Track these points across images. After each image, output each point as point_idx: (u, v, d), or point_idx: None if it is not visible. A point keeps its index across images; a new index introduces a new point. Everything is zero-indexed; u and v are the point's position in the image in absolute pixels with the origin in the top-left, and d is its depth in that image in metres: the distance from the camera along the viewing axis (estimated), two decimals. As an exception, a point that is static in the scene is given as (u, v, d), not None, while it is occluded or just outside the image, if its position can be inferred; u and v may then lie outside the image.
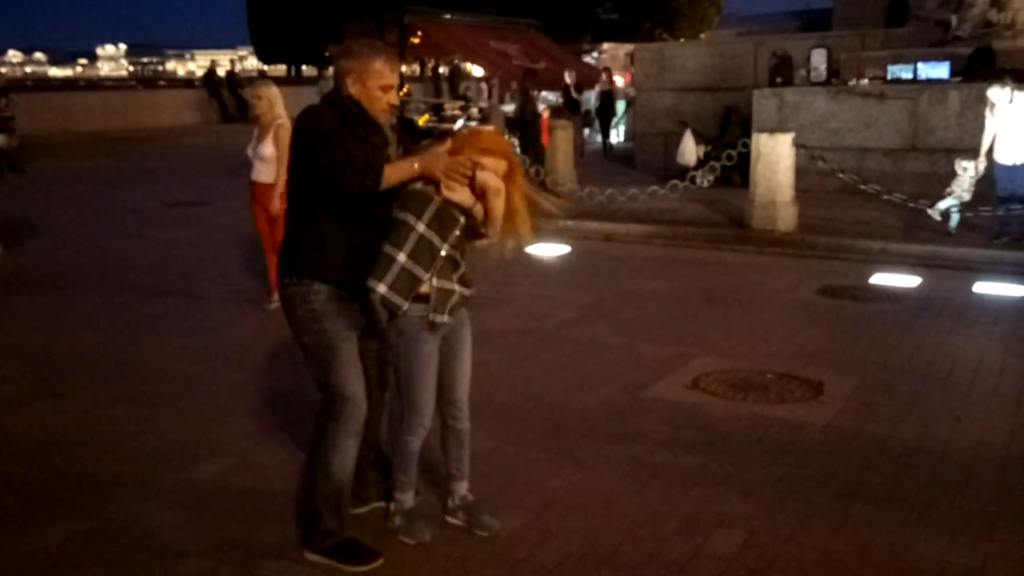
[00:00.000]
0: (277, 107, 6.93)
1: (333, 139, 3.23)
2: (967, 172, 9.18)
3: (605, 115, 18.71)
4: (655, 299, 7.65)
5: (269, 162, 6.88)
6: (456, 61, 24.85)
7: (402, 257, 3.30)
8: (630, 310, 7.28)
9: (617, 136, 21.64)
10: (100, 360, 6.03)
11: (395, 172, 3.26)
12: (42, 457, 4.46)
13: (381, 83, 3.34)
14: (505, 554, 3.51)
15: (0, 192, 13.83)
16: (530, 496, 4.00)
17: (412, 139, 17.56)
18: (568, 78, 15.76)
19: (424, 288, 3.34)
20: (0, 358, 6.09)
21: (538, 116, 12.72)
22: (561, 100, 16.40)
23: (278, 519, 3.78)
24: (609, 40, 31.00)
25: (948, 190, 9.35)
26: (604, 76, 17.94)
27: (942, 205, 9.36)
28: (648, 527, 3.70)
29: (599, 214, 11.08)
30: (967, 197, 9.24)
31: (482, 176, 3.29)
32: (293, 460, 4.36)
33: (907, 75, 12.04)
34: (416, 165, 3.28)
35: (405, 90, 20.67)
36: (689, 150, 13.37)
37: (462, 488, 3.73)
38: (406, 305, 3.33)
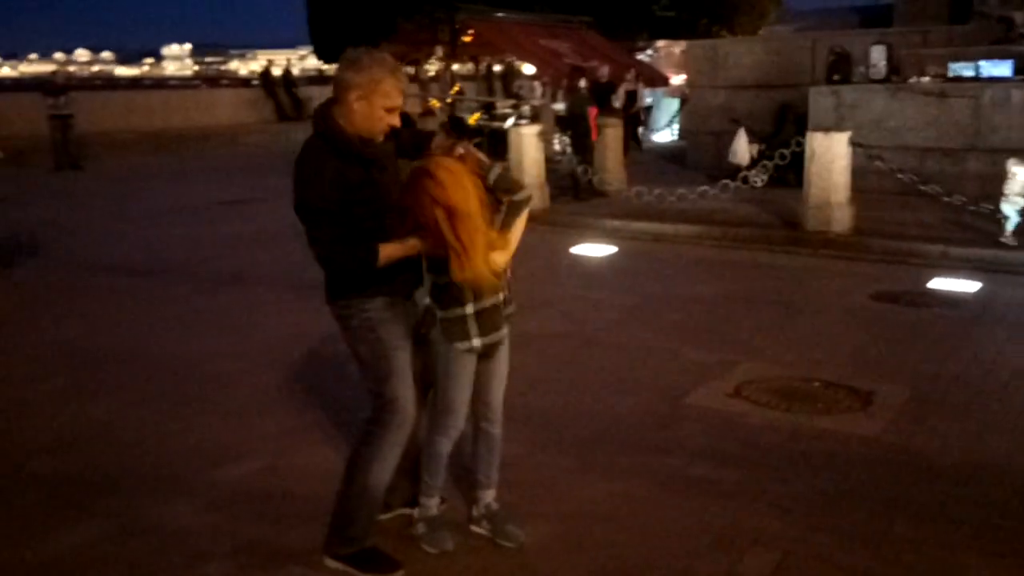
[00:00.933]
0: None
1: (325, 217, 3.13)
2: (1017, 176, 8.79)
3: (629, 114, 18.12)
4: (701, 302, 7.47)
5: None
6: (509, 59, 24.78)
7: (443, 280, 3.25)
8: (674, 313, 7.12)
9: (671, 134, 21.38)
10: (144, 357, 6.08)
11: (395, 251, 3.18)
12: (76, 454, 4.50)
13: (387, 104, 3.18)
14: (528, 566, 3.42)
15: (58, 188, 14.13)
16: (559, 505, 3.90)
17: (460, 137, 17.57)
18: (598, 75, 15.56)
19: (468, 310, 3.28)
20: (47, 353, 6.19)
21: (585, 116, 12.57)
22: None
23: (304, 523, 3.73)
24: (665, 37, 30.60)
25: (1004, 193, 8.96)
26: (631, 74, 17.31)
27: (1009, 210, 8.92)
28: (679, 542, 3.58)
29: (647, 214, 10.91)
30: (1022, 202, 8.83)
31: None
32: (325, 463, 4.32)
33: (969, 73, 11.63)
34: (412, 243, 3.18)
35: (456, 88, 20.70)
36: (742, 149, 13.09)
37: (488, 496, 3.65)
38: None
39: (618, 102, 15.54)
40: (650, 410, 5.05)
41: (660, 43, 26.32)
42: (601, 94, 14.92)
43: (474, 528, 3.64)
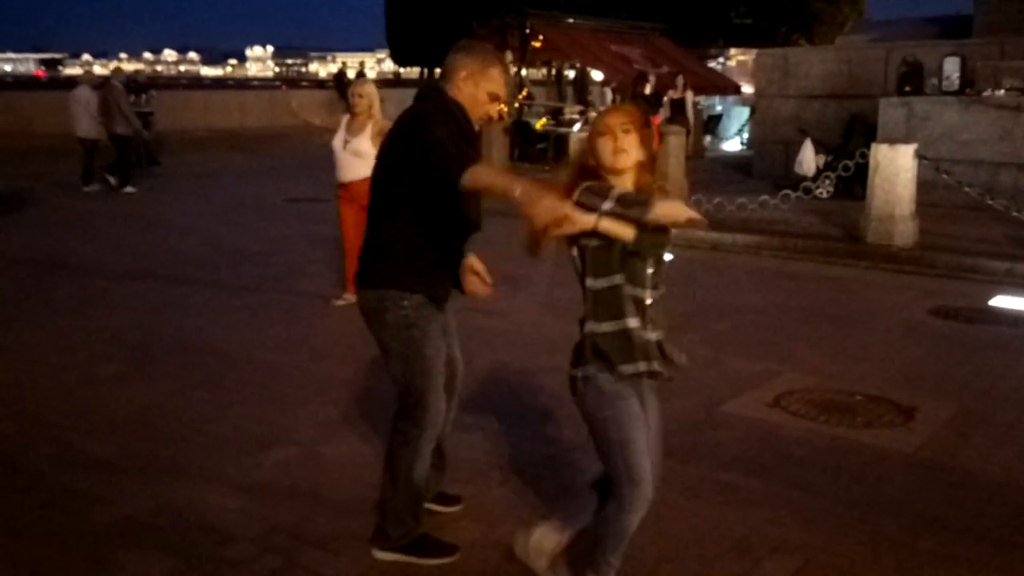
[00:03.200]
0: (375, 107, 7.07)
1: (454, 146, 3.07)
2: None
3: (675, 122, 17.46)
4: (752, 312, 7.39)
5: (367, 158, 7.00)
6: (580, 65, 24.79)
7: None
8: (723, 322, 7.07)
9: (741, 143, 21.13)
10: (196, 345, 6.29)
11: (489, 177, 3.02)
12: (122, 436, 4.68)
13: (491, 89, 3.28)
14: (544, 563, 3.44)
15: (135, 184, 14.64)
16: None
17: (526, 142, 17.65)
18: (648, 83, 15.43)
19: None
20: (104, 338, 6.44)
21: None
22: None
23: (329, 510, 3.83)
24: (743, 45, 30.27)
25: None
26: (679, 82, 16.69)
27: None
28: (696, 547, 3.57)
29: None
30: None
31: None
32: (356, 453, 4.43)
33: (1048, 86, 11.26)
34: (519, 191, 2.76)
35: (524, 93, 20.78)
36: (808, 159, 12.88)
37: None
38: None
39: (664, 112, 15.38)
40: (687, 416, 5.02)
41: (733, 51, 26.02)
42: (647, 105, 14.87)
43: None
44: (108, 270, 8.78)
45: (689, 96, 16.48)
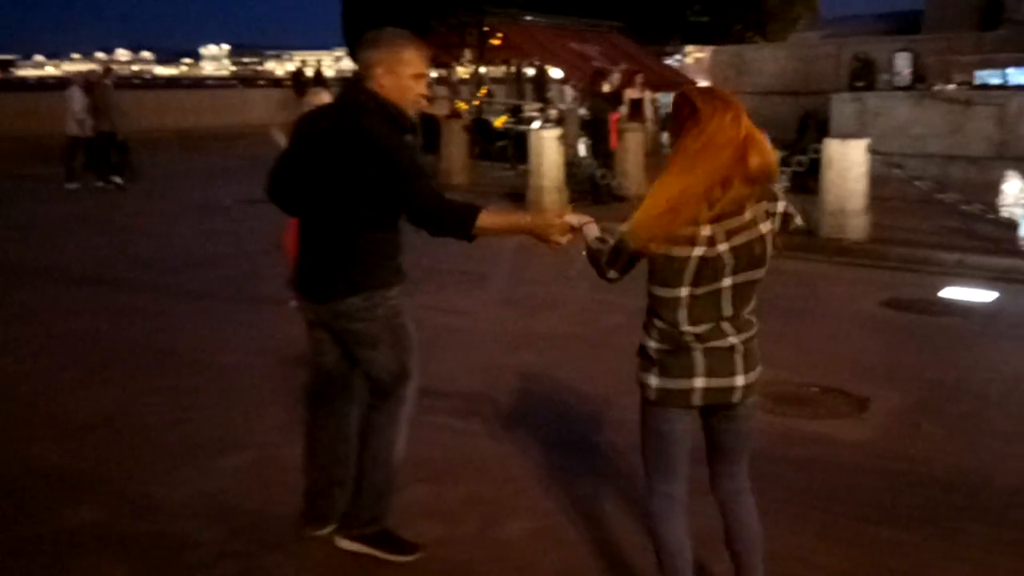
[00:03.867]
0: None
1: (418, 169, 3.16)
2: (1011, 189, 8.75)
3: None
4: (710, 306, 7.46)
5: None
6: (539, 63, 24.85)
7: None
8: (682, 317, 7.13)
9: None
10: (151, 349, 6.22)
11: (497, 221, 3.18)
12: (78, 442, 4.62)
13: (413, 71, 3.23)
14: (506, 558, 3.48)
15: (88, 187, 14.40)
16: (542, 502, 3.95)
17: (486, 140, 17.65)
18: (608, 81, 15.50)
19: None
20: (58, 344, 6.35)
21: (606, 119, 12.60)
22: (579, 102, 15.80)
23: (289, 513, 3.80)
24: (699, 43, 30.52)
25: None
26: (638, 81, 16.30)
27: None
28: (656, 540, 3.61)
29: (665, 219, 10.90)
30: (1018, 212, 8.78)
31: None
32: (316, 455, 4.41)
33: (996, 81, 11.55)
34: (527, 224, 3.18)
35: (483, 91, 20.79)
36: (763, 155, 13.04)
37: None
38: None
39: (624, 110, 15.35)
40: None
41: (689, 48, 26.24)
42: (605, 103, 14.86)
43: None
44: (64, 275, 8.65)
45: (647, 95, 16.48)
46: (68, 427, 4.82)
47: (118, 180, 14.82)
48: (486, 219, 3.10)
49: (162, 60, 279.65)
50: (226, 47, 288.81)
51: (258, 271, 8.76)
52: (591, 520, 3.78)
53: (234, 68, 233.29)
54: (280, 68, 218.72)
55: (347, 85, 3.38)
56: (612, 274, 2.91)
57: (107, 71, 16.56)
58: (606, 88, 13.12)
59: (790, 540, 3.60)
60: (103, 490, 4.06)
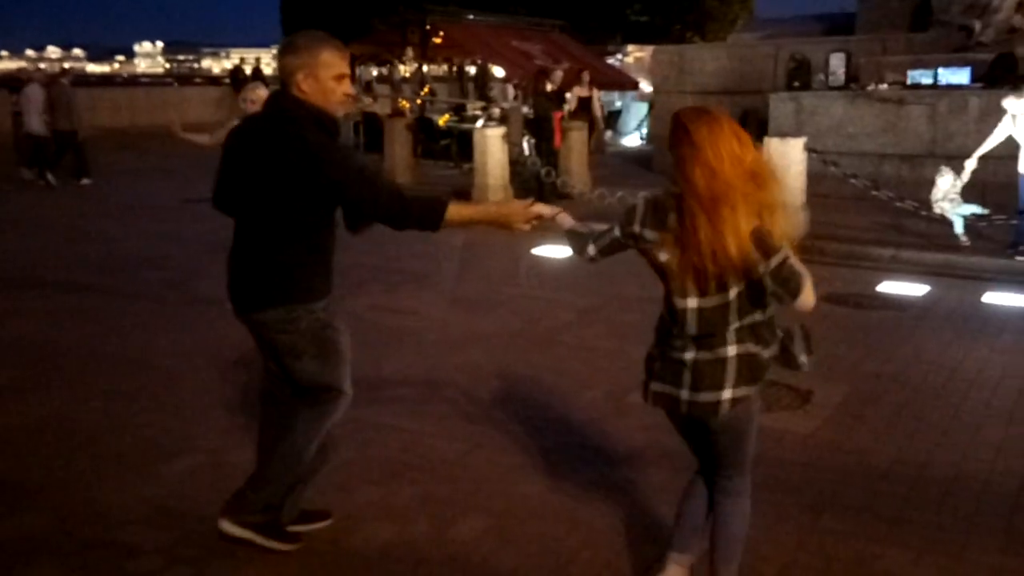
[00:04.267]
0: None
1: (367, 168, 3.19)
2: (944, 184, 9.03)
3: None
4: (655, 303, 7.49)
5: None
6: (480, 61, 24.86)
7: None
8: (628, 314, 7.19)
9: (641, 139, 21.52)
10: (93, 353, 6.06)
11: (465, 212, 3.33)
12: (18, 449, 4.49)
13: (334, 73, 3.19)
14: (459, 558, 3.47)
15: (19, 186, 13.99)
16: (495, 501, 3.95)
17: (429, 139, 17.59)
18: (553, 80, 15.57)
19: None
20: (-5, 349, 6.15)
21: (550, 118, 12.65)
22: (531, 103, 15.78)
23: (239, 517, 3.75)
24: (639, 42, 30.81)
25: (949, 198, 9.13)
26: (585, 78, 16.19)
27: (959, 215, 9.09)
28: (609, 535, 3.65)
29: (609, 216, 10.95)
30: (947, 208, 9.06)
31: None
32: (264, 458, 4.35)
33: (927, 80, 11.83)
34: (493, 213, 3.46)
35: (426, 90, 20.72)
36: (704, 153, 13.21)
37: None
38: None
39: (571, 107, 15.34)
40: (594, 408, 5.11)
41: (630, 47, 26.49)
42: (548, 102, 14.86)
43: None
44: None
45: (596, 93, 16.49)
46: (6, 434, 4.68)
47: (51, 179, 14.80)
48: (454, 210, 3.18)
49: (94, 58, 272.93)
50: (160, 44, 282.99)
51: (199, 272, 8.59)
52: (543, 518, 3.79)
53: (169, 66, 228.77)
54: (217, 66, 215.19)
55: (272, 96, 3.35)
56: (591, 249, 3.19)
57: (64, 71, 17.23)
58: (550, 87, 13.16)
59: (739, 532, 3.65)
60: (45, 498, 3.94)
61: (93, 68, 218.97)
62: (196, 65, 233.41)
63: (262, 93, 6.99)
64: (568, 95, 15.81)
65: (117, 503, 3.90)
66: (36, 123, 14.70)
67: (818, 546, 3.56)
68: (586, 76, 15.87)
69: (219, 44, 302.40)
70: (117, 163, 18.05)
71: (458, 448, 4.52)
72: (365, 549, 3.54)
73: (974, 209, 9.05)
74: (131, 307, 7.33)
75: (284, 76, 3.21)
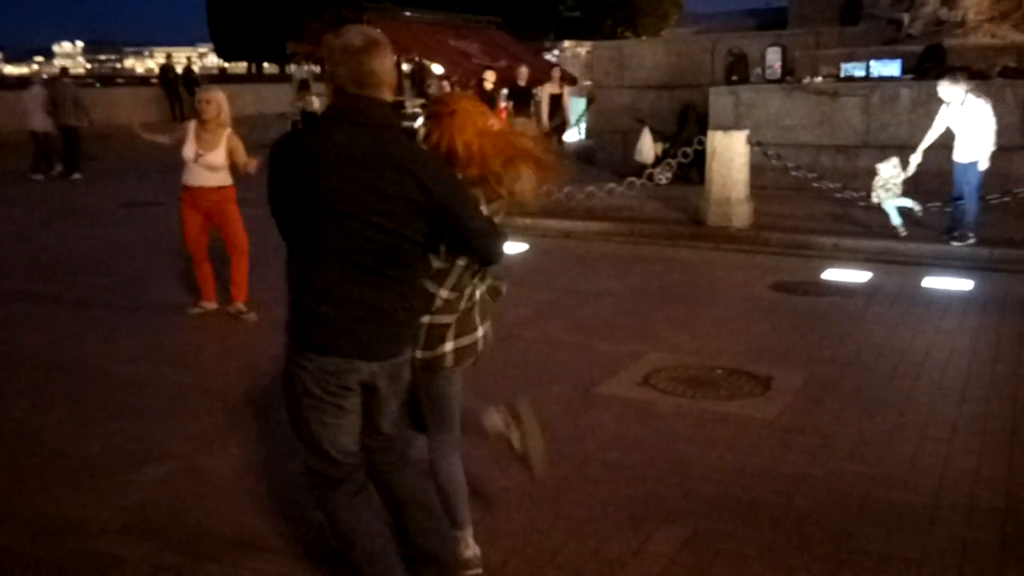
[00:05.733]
0: (224, 113, 6.77)
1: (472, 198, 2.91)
2: (880, 172, 9.34)
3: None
4: (611, 296, 7.66)
5: (220, 171, 6.76)
6: (418, 59, 24.77)
7: None
8: (586, 308, 7.29)
9: (579, 134, 21.68)
10: (43, 363, 5.91)
11: None
12: (-19, 462, 4.37)
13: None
14: (448, 554, 3.49)
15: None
16: (476, 497, 3.96)
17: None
18: (521, 76, 15.60)
19: None
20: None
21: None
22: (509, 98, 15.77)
23: (220, 523, 3.72)
24: (571, 38, 31.03)
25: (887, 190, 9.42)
26: (555, 75, 15.98)
27: (894, 207, 9.37)
28: (593, 525, 3.71)
29: (557, 211, 11.06)
30: (883, 196, 9.38)
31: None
32: (238, 463, 4.31)
33: (860, 73, 12.19)
34: None
35: (366, 88, 20.52)
36: (647, 148, 13.42)
37: None
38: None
39: (544, 108, 15.15)
40: (563, 400, 5.18)
41: (566, 43, 26.65)
42: (518, 99, 14.85)
43: None
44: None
45: (566, 91, 16.23)
46: (-36, 448, 4.55)
47: (77, 175, 15.84)
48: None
49: (11, 59, 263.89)
50: (81, 44, 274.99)
51: (143, 277, 8.43)
52: (526, 511, 3.83)
53: (90, 66, 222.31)
54: (140, 65, 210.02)
55: (386, 107, 2.83)
56: None
57: (64, 71, 19.42)
58: (489, 85, 13.27)
59: (718, 517, 3.76)
60: (12, 513, 3.85)
61: (11, 70, 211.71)
62: (119, 65, 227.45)
63: (219, 95, 6.89)
64: (536, 92, 15.78)
65: (92, 514, 3.83)
66: (39, 121, 15.56)
67: (794, 528, 3.67)
68: (557, 72, 15.66)
69: (142, 42, 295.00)
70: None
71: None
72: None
73: (908, 203, 9.34)
74: (77, 314, 7.16)
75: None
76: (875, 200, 9.51)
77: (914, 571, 3.36)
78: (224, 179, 6.79)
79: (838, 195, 10.34)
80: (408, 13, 20.66)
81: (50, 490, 4.05)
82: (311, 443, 2.86)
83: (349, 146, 2.70)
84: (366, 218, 2.68)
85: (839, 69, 12.42)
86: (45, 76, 18.60)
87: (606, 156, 15.50)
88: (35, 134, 15.82)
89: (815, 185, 10.57)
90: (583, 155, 16.09)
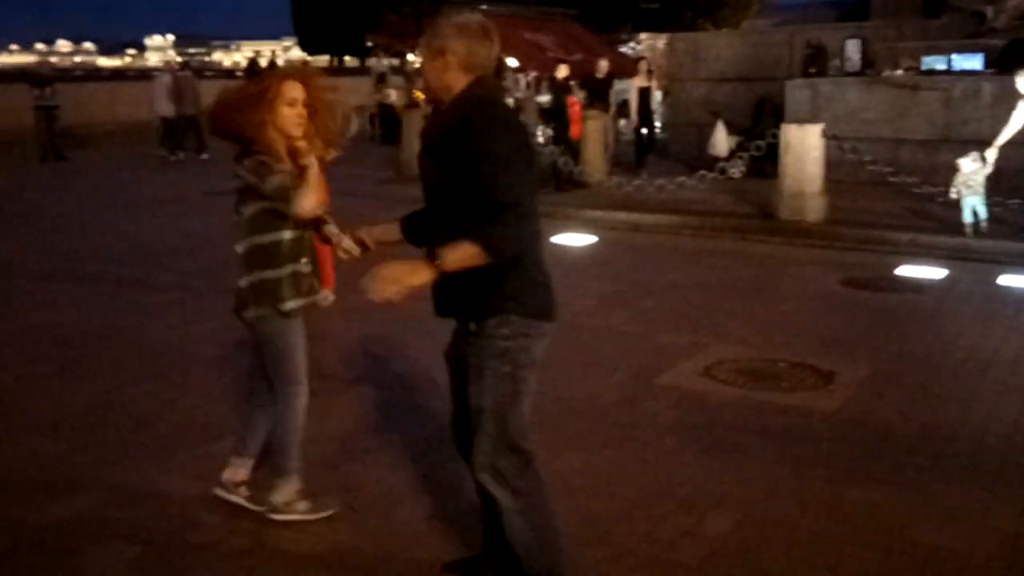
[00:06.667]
0: None
1: None
2: (968, 167, 9.05)
3: (645, 113, 15.31)
4: (676, 288, 7.70)
5: None
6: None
7: None
8: (650, 299, 7.35)
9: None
10: (130, 342, 6.24)
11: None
12: (70, 432, 4.67)
13: None
14: (503, 530, 3.62)
15: (42, 180, 14.23)
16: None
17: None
18: (599, 69, 15.61)
19: None
20: (29, 339, 6.33)
21: (565, 108, 12.79)
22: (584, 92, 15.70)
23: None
24: (649, 30, 30.84)
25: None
26: (642, 67, 15.56)
27: (971, 206, 9.11)
28: (645, 508, 3.80)
29: (627, 204, 11.14)
30: (963, 192, 9.10)
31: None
32: (307, 437, 4.51)
33: (941, 66, 11.91)
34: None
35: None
36: (720, 141, 13.34)
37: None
38: None
39: (633, 101, 14.85)
40: (623, 389, 5.27)
41: (643, 36, 26.51)
42: (595, 91, 14.83)
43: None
44: (27, 269, 8.57)
45: (655, 84, 15.99)
46: (57, 417, 4.86)
47: (181, 155, 17.68)
48: None
49: (105, 51, 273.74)
50: (171, 37, 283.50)
51: (226, 262, 8.72)
52: (581, 492, 3.94)
53: (179, 59, 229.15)
54: (227, 59, 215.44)
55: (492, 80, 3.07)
56: None
57: (184, 64, 23.38)
58: (597, 74, 13.46)
59: (770, 505, 3.81)
60: (98, 479, 4.12)
61: (104, 62, 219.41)
62: (207, 58, 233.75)
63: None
64: (620, 85, 15.69)
65: (169, 482, 4.07)
66: (164, 107, 17.79)
67: (846, 518, 3.70)
68: (644, 65, 15.40)
69: (229, 36, 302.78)
70: (138, 156, 18.25)
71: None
72: (413, 521, 3.71)
73: (981, 208, 9.02)
74: (161, 297, 7.50)
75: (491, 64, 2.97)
76: (954, 196, 9.30)
77: (963, 564, 3.37)
78: None
79: (916, 190, 10.13)
80: (484, 6, 20.82)
81: (134, 459, 4.32)
82: (516, 416, 2.90)
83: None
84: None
85: (920, 62, 12.16)
86: (175, 66, 22.98)
87: (679, 149, 15.44)
88: (163, 119, 18.03)
89: (892, 180, 10.38)
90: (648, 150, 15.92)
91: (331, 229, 3.54)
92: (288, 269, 3.55)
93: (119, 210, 12.04)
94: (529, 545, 2.96)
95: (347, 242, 3.29)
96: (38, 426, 4.76)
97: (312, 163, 3.47)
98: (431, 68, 2.93)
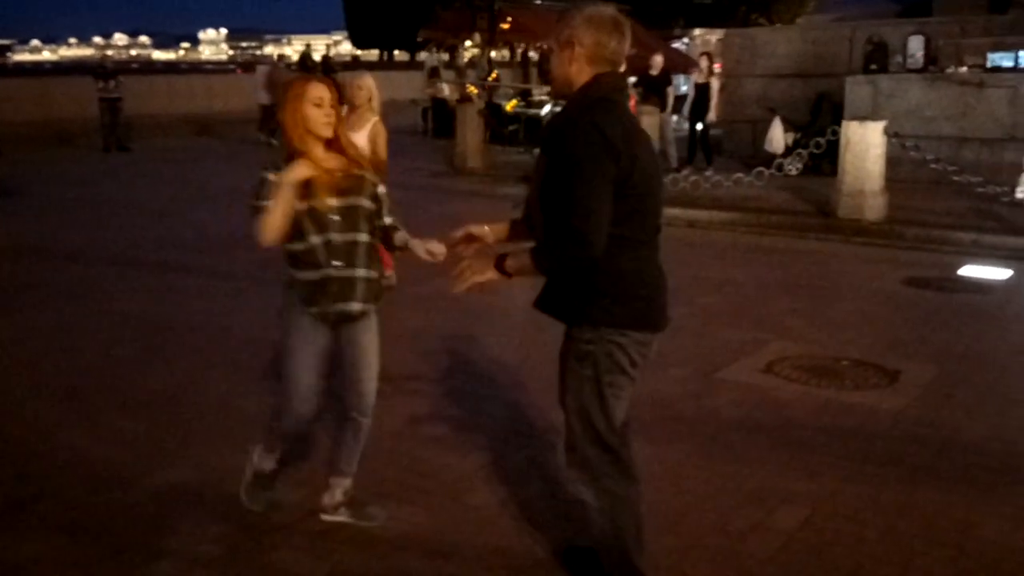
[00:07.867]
0: (375, 100, 6.78)
1: None
2: None
3: (700, 109, 14.80)
4: (734, 285, 7.69)
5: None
6: (547, 47, 24.97)
7: None
8: (708, 296, 7.35)
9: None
10: (204, 328, 6.43)
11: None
12: (153, 412, 4.85)
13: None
14: (572, 516, 3.69)
15: (108, 169, 14.59)
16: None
17: (499, 124, 17.81)
18: (654, 65, 15.53)
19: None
20: (110, 322, 6.55)
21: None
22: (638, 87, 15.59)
23: (364, 477, 4.02)
24: (703, 25, 30.62)
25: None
26: (704, 63, 15.15)
27: None
28: (713, 500, 3.85)
29: (682, 200, 11.09)
30: None
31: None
32: (383, 422, 4.61)
33: (1008, 63, 11.70)
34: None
35: (494, 75, 20.92)
36: (777, 137, 13.23)
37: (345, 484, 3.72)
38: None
39: (690, 97, 14.64)
40: (685, 384, 5.30)
41: (697, 31, 26.33)
42: (653, 87, 14.72)
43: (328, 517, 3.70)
44: (99, 257, 8.83)
45: (714, 81, 15.74)
46: (139, 398, 5.04)
47: (274, 141, 17.41)
48: None
49: (159, 45, 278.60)
50: (224, 31, 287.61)
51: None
52: (647, 483, 3.98)
53: (232, 52, 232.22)
54: (279, 52, 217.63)
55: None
56: None
57: (280, 57, 26.92)
58: (651, 70, 13.45)
59: (840, 500, 3.83)
60: (187, 457, 4.29)
61: (159, 55, 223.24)
62: (259, 52, 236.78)
63: (369, 81, 7.05)
64: (681, 79, 15.53)
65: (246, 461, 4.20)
66: (262, 95, 19.29)
67: (916, 515, 3.71)
68: (704, 61, 15.24)
69: (280, 30, 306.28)
70: (198, 147, 18.67)
71: (558, 417, 4.73)
72: (484, 506, 3.80)
73: None
74: (230, 285, 7.68)
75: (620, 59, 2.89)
76: (1020, 196, 9.16)
77: (1038, 564, 3.37)
78: None
79: (980, 190, 9.98)
80: (538, 1, 20.89)
81: (216, 440, 4.48)
82: (602, 418, 2.91)
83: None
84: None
85: (985, 59, 11.95)
86: (275, 59, 27.01)
87: (734, 145, 15.34)
88: (261, 106, 19.41)
89: (955, 179, 10.24)
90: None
91: (402, 236, 3.54)
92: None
93: (185, 200, 12.32)
94: (609, 545, 2.99)
95: (433, 246, 3.30)
96: (122, 405, 4.94)
97: (282, 180, 3.32)
98: (558, 58, 2.87)
